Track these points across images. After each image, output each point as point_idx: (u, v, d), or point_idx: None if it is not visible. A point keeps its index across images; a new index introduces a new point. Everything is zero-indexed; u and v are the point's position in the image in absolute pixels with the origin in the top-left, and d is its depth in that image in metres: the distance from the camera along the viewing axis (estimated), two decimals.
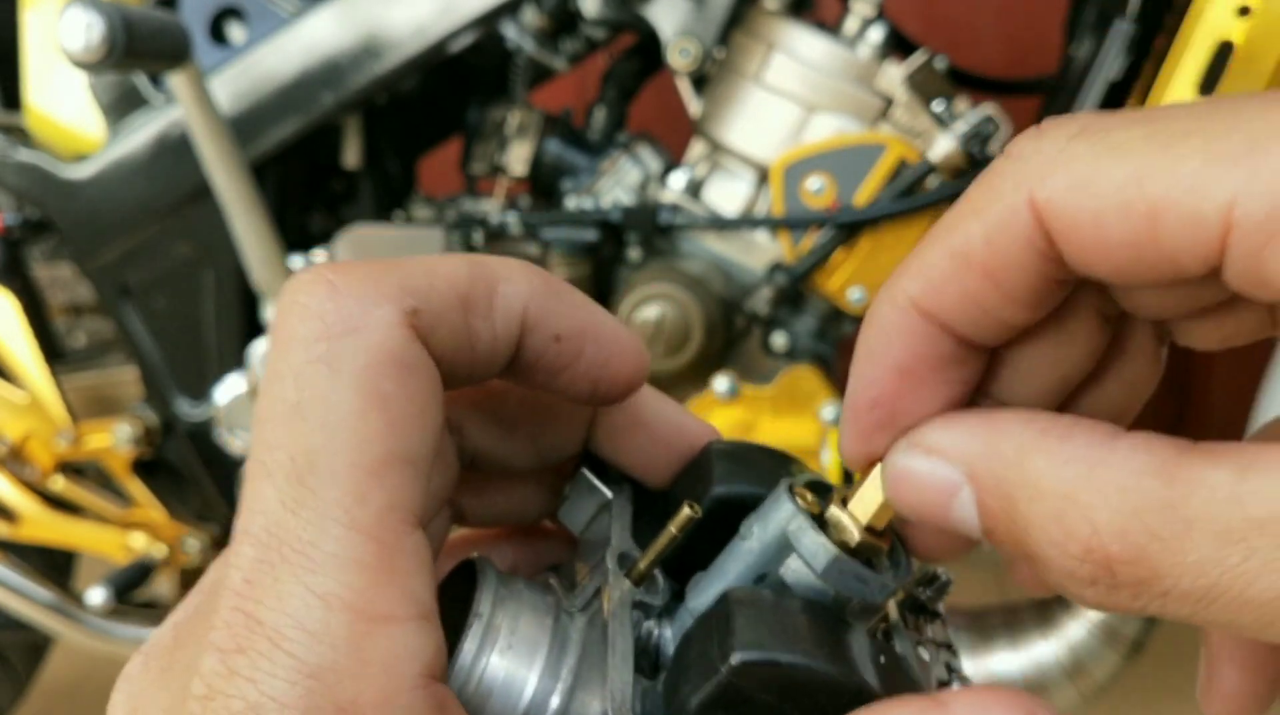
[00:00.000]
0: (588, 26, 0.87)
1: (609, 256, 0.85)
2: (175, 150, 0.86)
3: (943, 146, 0.79)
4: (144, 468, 0.97)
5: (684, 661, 0.22)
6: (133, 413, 0.95)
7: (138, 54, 0.65)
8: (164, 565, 0.98)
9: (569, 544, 0.29)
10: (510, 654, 0.23)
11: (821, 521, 0.23)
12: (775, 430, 0.81)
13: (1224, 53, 0.70)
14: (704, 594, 0.24)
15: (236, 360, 0.88)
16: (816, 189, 0.81)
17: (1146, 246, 0.18)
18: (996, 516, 0.20)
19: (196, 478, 0.96)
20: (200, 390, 0.91)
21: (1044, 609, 0.92)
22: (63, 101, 0.90)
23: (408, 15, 0.82)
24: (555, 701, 0.22)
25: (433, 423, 0.21)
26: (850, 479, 0.82)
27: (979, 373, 0.22)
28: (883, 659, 0.23)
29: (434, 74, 0.96)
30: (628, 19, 0.83)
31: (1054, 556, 0.19)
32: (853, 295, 0.82)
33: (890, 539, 0.24)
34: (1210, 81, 0.70)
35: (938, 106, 0.81)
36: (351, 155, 0.93)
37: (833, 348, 0.88)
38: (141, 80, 0.87)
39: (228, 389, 0.87)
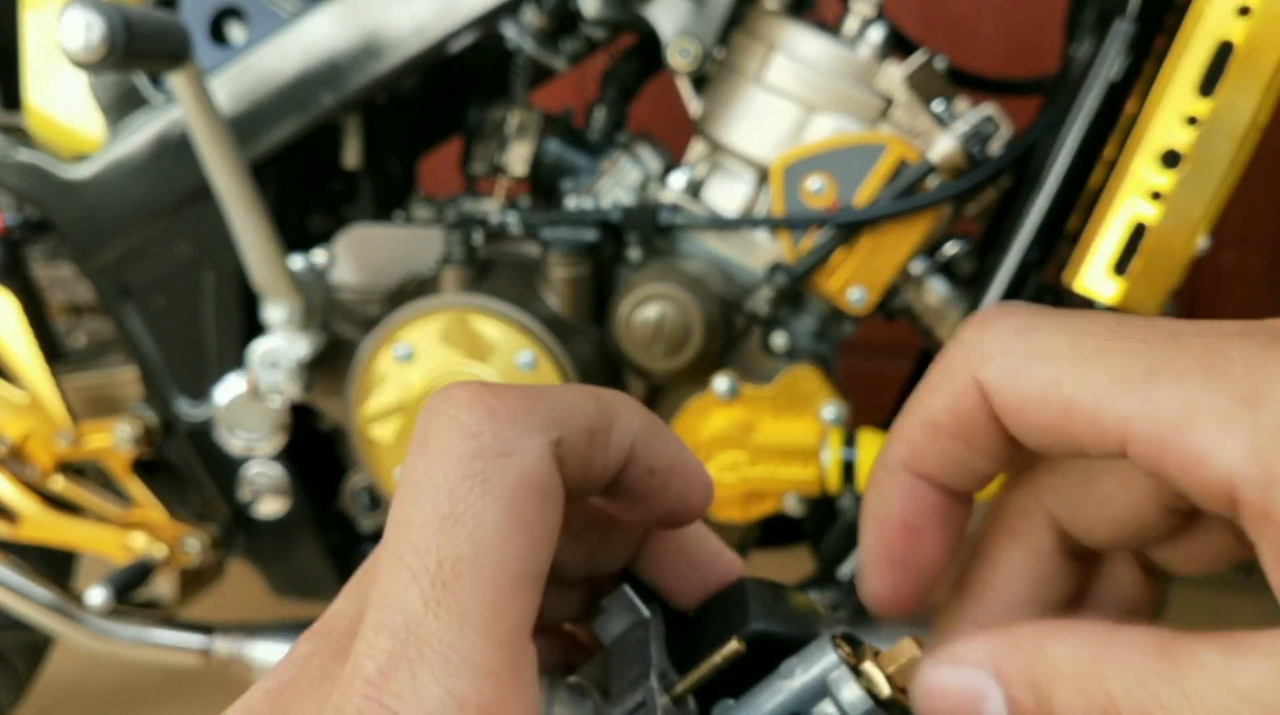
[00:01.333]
0: (588, 26, 0.87)
1: (609, 256, 0.85)
2: (175, 150, 0.86)
3: (943, 146, 0.79)
4: (144, 468, 0.97)
5: None
6: (133, 413, 0.95)
7: (138, 54, 0.65)
8: (164, 565, 0.97)
9: (581, 647, 0.31)
10: None
11: (856, 672, 0.26)
12: (775, 430, 0.81)
13: (1224, 53, 0.70)
14: None
15: (236, 360, 0.88)
16: (816, 189, 0.81)
17: (1062, 433, 0.22)
18: (1023, 706, 0.23)
19: (196, 478, 0.96)
20: (200, 390, 0.91)
21: None
22: (63, 101, 0.90)
23: (408, 15, 0.82)
24: None
25: (554, 542, 0.24)
26: (850, 475, 0.81)
27: (968, 516, 0.26)
28: None
29: (434, 74, 0.96)
30: (628, 19, 0.83)
31: None
32: (853, 295, 0.82)
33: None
34: (1210, 81, 0.70)
35: (938, 106, 0.81)
36: (351, 155, 0.93)
37: (833, 348, 0.88)
38: (141, 80, 0.87)
39: (228, 389, 0.87)
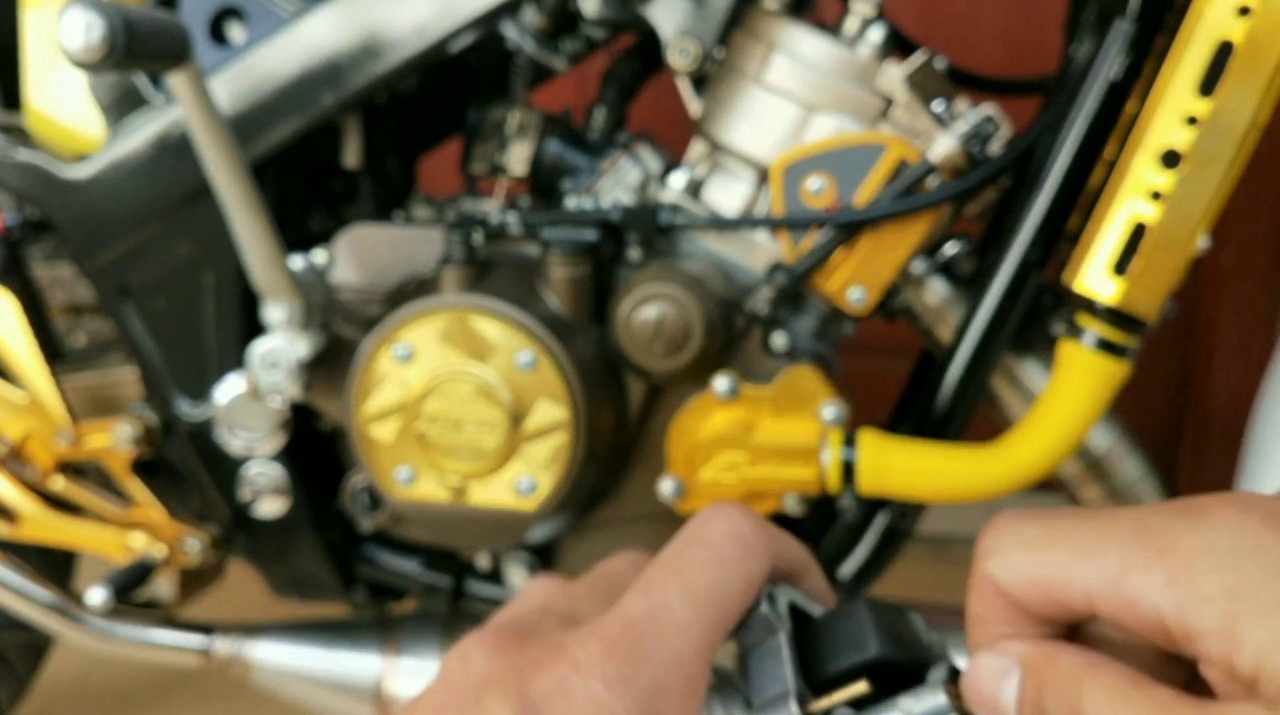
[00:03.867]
0: (588, 26, 0.87)
1: (609, 256, 0.85)
2: (175, 150, 0.86)
3: (943, 146, 0.79)
4: (144, 468, 0.97)
5: None
6: (133, 413, 0.95)
7: (138, 54, 0.65)
8: (164, 565, 0.97)
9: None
10: None
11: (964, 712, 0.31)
12: (775, 430, 0.81)
13: (1224, 53, 0.70)
14: None
15: (236, 360, 0.88)
16: (816, 189, 0.81)
17: (1050, 602, 0.29)
18: (1028, 691, 0.30)
19: (196, 478, 0.96)
20: (200, 390, 0.91)
21: None
22: (63, 101, 0.90)
23: (408, 15, 0.82)
24: None
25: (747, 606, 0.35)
26: (850, 475, 0.81)
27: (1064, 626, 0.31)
28: None
29: (434, 74, 0.96)
30: (628, 19, 0.83)
31: None
32: (853, 295, 0.82)
33: None
34: (1210, 81, 0.70)
35: (938, 106, 0.81)
36: (351, 155, 0.93)
37: (833, 348, 0.88)
38: (141, 80, 0.87)
39: (228, 389, 0.87)
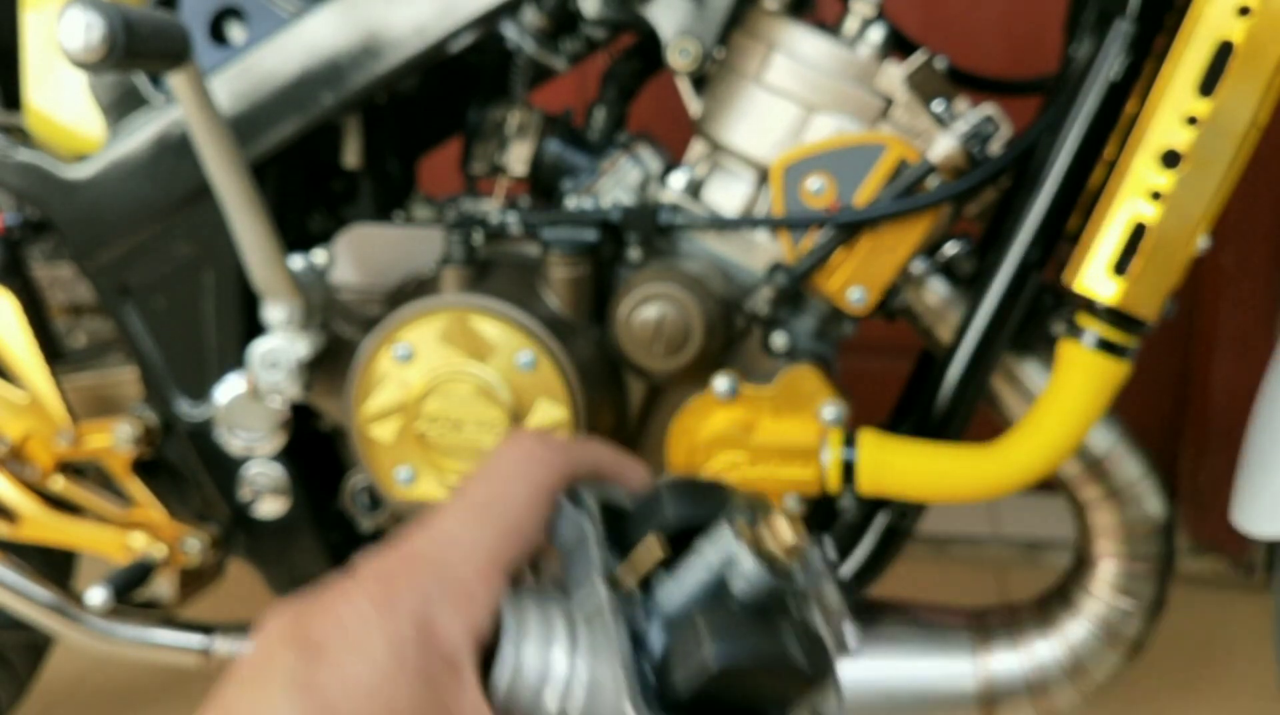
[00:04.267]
0: (588, 26, 0.87)
1: (609, 256, 0.85)
2: (175, 150, 0.86)
3: (943, 146, 0.79)
4: (144, 468, 0.97)
5: (670, 662, 0.32)
6: (133, 413, 0.95)
7: (138, 54, 0.65)
8: (164, 565, 0.97)
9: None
10: (542, 645, 0.32)
11: (757, 546, 0.33)
12: (775, 430, 0.81)
13: (1224, 53, 0.70)
14: (672, 596, 0.34)
15: (236, 360, 0.88)
16: (816, 189, 0.81)
17: None
18: None
19: (196, 478, 0.96)
20: (200, 390, 0.91)
21: (1044, 609, 0.91)
22: (63, 101, 0.90)
23: (408, 15, 0.82)
24: (581, 671, 0.32)
25: (543, 528, 0.38)
26: (850, 475, 0.81)
27: None
28: (802, 634, 0.33)
29: (434, 74, 0.96)
30: (628, 19, 0.83)
31: None
32: (853, 295, 0.82)
33: (802, 552, 0.34)
34: (1210, 81, 0.70)
35: (938, 106, 0.81)
36: (351, 155, 0.93)
37: (833, 348, 0.88)
38: (141, 80, 0.87)
39: (228, 389, 0.87)
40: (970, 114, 0.80)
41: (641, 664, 0.32)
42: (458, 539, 0.34)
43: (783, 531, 0.33)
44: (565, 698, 0.32)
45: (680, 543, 0.34)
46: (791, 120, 0.82)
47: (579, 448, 0.38)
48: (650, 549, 0.34)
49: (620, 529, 0.37)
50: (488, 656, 0.33)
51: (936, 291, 0.86)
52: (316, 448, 0.94)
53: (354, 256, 0.88)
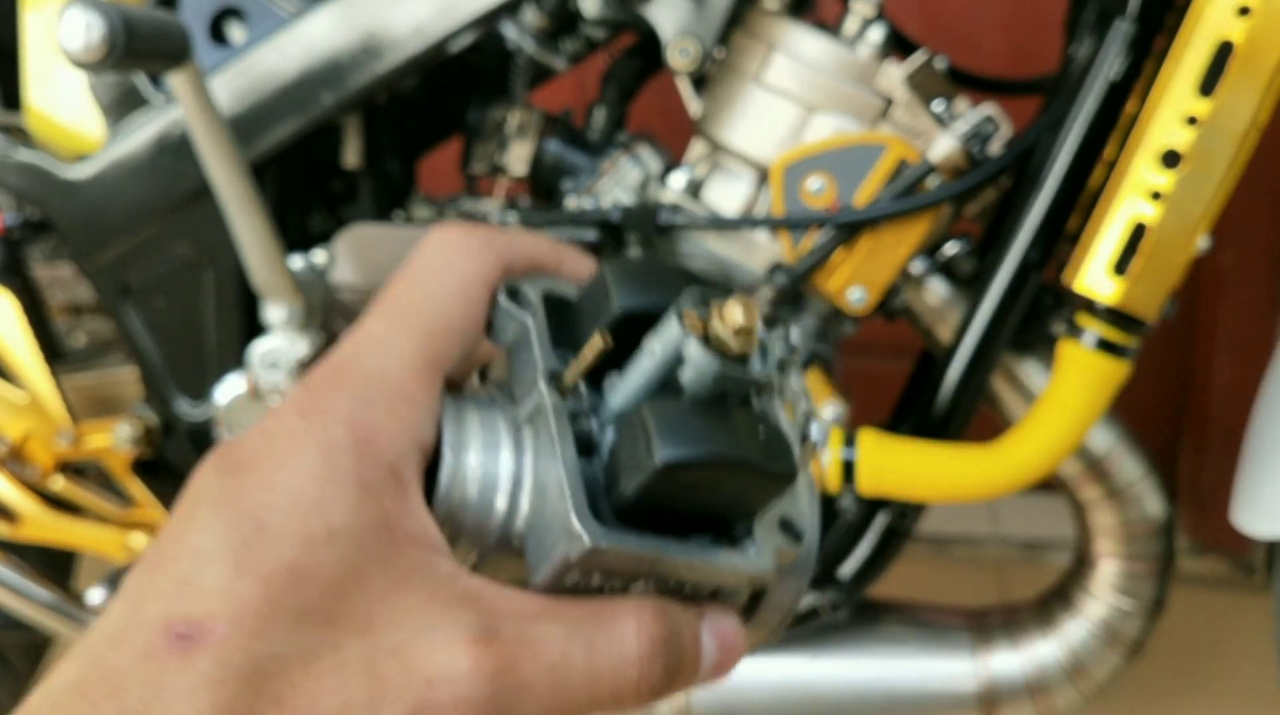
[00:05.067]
0: (588, 26, 0.87)
1: (609, 256, 0.85)
2: (175, 150, 0.86)
3: (943, 146, 0.79)
4: (144, 468, 0.97)
5: (617, 462, 0.29)
6: (133, 413, 0.95)
7: (138, 54, 0.65)
8: None
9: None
10: (484, 451, 0.30)
11: (705, 334, 0.30)
12: None
13: (1224, 53, 0.70)
14: (621, 395, 0.31)
15: (236, 360, 0.88)
16: (816, 189, 0.81)
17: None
18: None
19: None
20: (200, 390, 0.91)
21: (1044, 609, 0.92)
22: (63, 101, 0.90)
23: (408, 15, 0.82)
24: (526, 477, 0.30)
25: (482, 321, 0.34)
26: (850, 475, 0.81)
27: None
28: (762, 431, 0.30)
29: (434, 74, 0.96)
30: (628, 19, 0.83)
31: None
32: (853, 295, 0.82)
33: (756, 337, 0.30)
34: (1210, 81, 0.70)
35: (938, 106, 0.81)
36: (351, 155, 0.92)
37: (833, 348, 0.88)
38: (141, 80, 0.87)
39: (228, 389, 0.87)
40: (970, 114, 0.80)
41: (593, 467, 0.30)
42: (385, 339, 0.31)
43: (734, 315, 0.29)
44: (510, 507, 0.30)
45: (635, 335, 0.31)
46: (791, 120, 0.82)
47: (512, 237, 0.35)
48: (594, 345, 0.30)
49: (567, 324, 0.34)
50: (429, 466, 0.30)
51: (936, 291, 0.86)
52: None
53: (354, 256, 0.88)
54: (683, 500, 0.29)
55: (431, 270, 0.33)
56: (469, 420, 0.31)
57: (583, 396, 0.31)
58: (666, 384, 0.30)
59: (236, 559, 0.25)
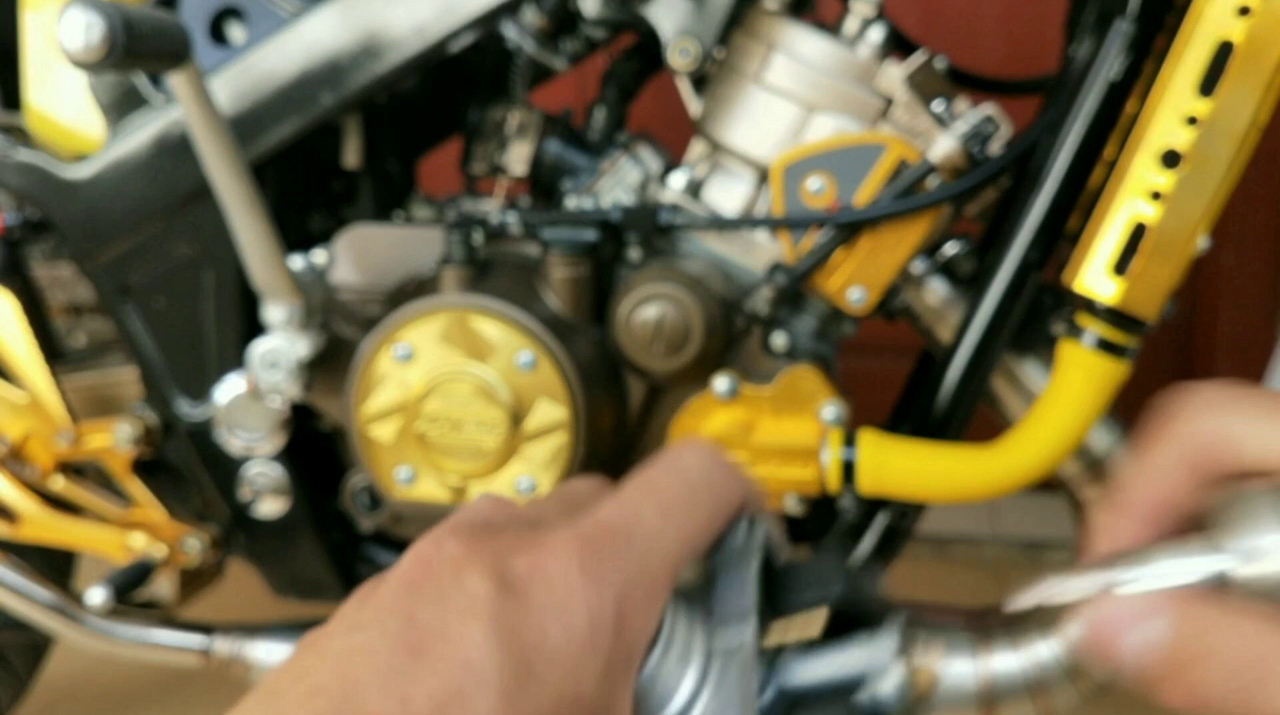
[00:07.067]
0: (588, 26, 0.87)
1: (609, 256, 0.85)
2: (175, 150, 0.86)
3: (943, 146, 0.79)
4: (144, 468, 0.97)
5: None
6: (133, 413, 0.95)
7: (138, 54, 0.65)
8: (164, 565, 0.97)
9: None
10: (678, 663, 0.32)
11: (910, 669, 0.33)
12: (775, 430, 0.81)
13: (1224, 53, 0.70)
14: (799, 671, 0.33)
15: (236, 360, 0.88)
16: (816, 189, 0.81)
17: (1216, 462, 0.32)
18: (1172, 651, 0.31)
19: (196, 478, 0.96)
20: (200, 390, 0.91)
21: (1044, 608, 0.91)
22: (63, 101, 0.90)
23: (408, 15, 0.82)
24: (698, 708, 0.31)
25: (714, 536, 0.36)
26: (850, 475, 0.81)
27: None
28: None
29: (434, 74, 0.96)
30: (628, 19, 0.83)
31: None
32: (853, 295, 0.82)
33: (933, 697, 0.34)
34: (1210, 81, 0.70)
35: (938, 106, 0.81)
36: (351, 155, 0.93)
37: (833, 348, 0.88)
38: (141, 80, 0.87)
39: (228, 389, 0.87)
40: (970, 114, 0.80)
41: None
42: (656, 531, 0.31)
43: (932, 665, 0.33)
44: None
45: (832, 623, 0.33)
46: (791, 120, 0.82)
47: (752, 482, 0.36)
48: (813, 621, 0.33)
49: (769, 575, 0.35)
50: None
51: (936, 291, 0.86)
52: (316, 448, 0.94)
53: (354, 256, 0.88)
54: None
55: (698, 486, 0.34)
56: (679, 623, 0.32)
57: (767, 650, 0.33)
58: (845, 685, 0.32)
59: (506, 694, 0.27)
